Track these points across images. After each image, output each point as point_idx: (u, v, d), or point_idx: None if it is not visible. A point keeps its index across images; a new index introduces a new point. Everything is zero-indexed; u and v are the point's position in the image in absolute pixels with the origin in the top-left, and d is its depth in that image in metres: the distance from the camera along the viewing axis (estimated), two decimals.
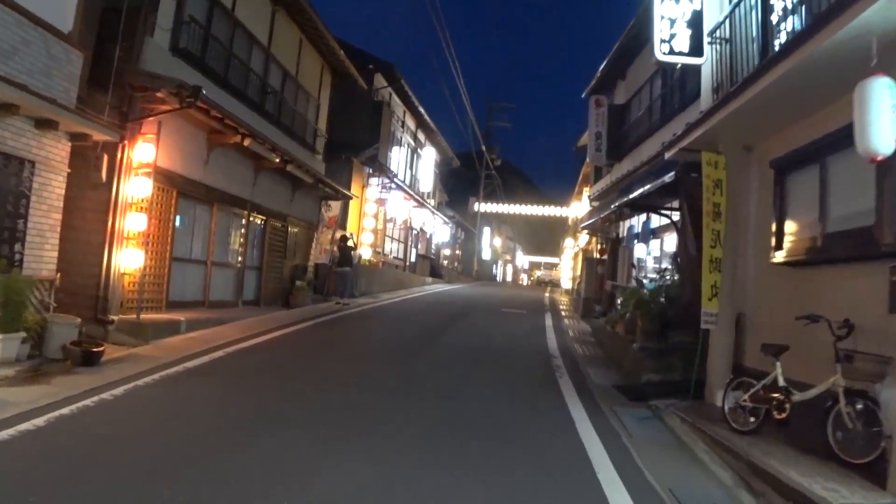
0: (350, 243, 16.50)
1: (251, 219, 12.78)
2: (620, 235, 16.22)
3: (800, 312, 5.48)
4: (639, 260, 15.03)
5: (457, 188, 47.44)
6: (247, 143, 10.83)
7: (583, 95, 18.44)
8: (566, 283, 30.91)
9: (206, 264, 11.20)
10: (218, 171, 11.15)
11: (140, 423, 4.90)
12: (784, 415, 5.11)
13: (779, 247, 6.27)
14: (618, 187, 15.49)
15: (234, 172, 11.82)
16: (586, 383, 7.86)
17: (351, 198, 17.48)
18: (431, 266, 31.30)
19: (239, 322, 10.56)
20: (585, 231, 24.05)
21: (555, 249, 68.90)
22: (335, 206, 16.66)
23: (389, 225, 24.20)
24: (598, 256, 17.34)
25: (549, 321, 14.85)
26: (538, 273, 77.91)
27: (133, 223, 8.62)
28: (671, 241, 13.14)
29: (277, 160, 12.30)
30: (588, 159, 16.89)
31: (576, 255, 30.73)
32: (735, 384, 5.81)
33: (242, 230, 12.45)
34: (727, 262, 7.10)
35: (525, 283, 69.93)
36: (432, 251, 32.80)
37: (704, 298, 6.94)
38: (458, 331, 11.92)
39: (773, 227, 6.39)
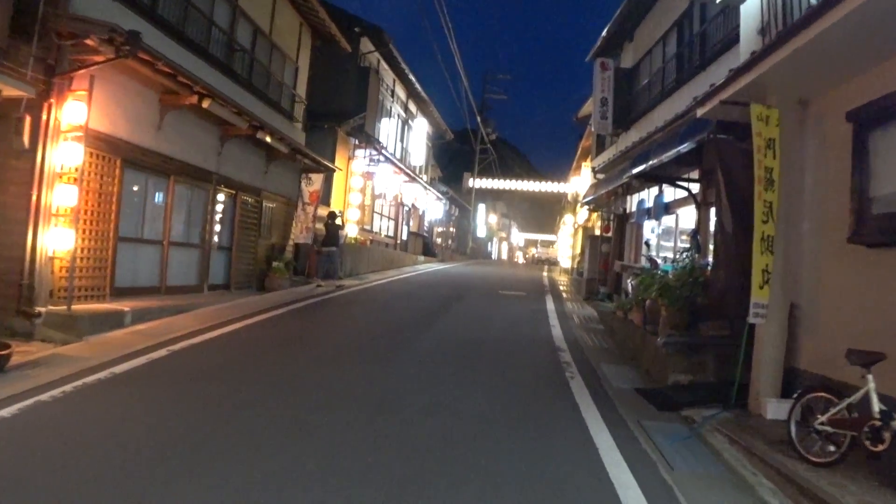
0: (338, 221, 15.27)
1: (218, 193, 11.37)
2: (628, 211, 14.89)
3: (882, 305, 4.20)
4: (650, 238, 13.74)
5: (451, 164, 45.98)
6: (206, 104, 9.39)
7: (587, 59, 16.97)
8: (565, 262, 29.62)
9: (162, 245, 9.82)
10: (175, 138, 9.73)
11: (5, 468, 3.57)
12: (881, 446, 3.84)
13: (858, 223, 4.92)
14: (626, 157, 14.11)
15: (196, 140, 10.40)
16: (602, 385, 6.58)
17: (334, 170, 16.05)
18: (424, 244, 29.96)
19: (200, 310, 9.23)
20: (586, 207, 22.73)
21: (551, 226, 67.61)
22: (317, 179, 15.25)
23: (379, 201, 22.81)
24: (603, 234, 16.01)
25: (550, 305, 13.57)
26: (533, 251, 76.76)
27: (62, 197, 7.24)
28: (688, 217, 11.84)
29: (245, 126, 10.86)
30: (592, 128, 15.50)
31: (575, 232, 29.41)
32: (806, 399, 4.51)
33: (208, 206, 11.05)
34: (780, 242, 5.78)
35: (520, 262, 68.74)
36: (425, 228, 31.43)
37: (755, 286, 5.62)
38: (452, 318, 10.63)
39: (849, 198, 5.04)
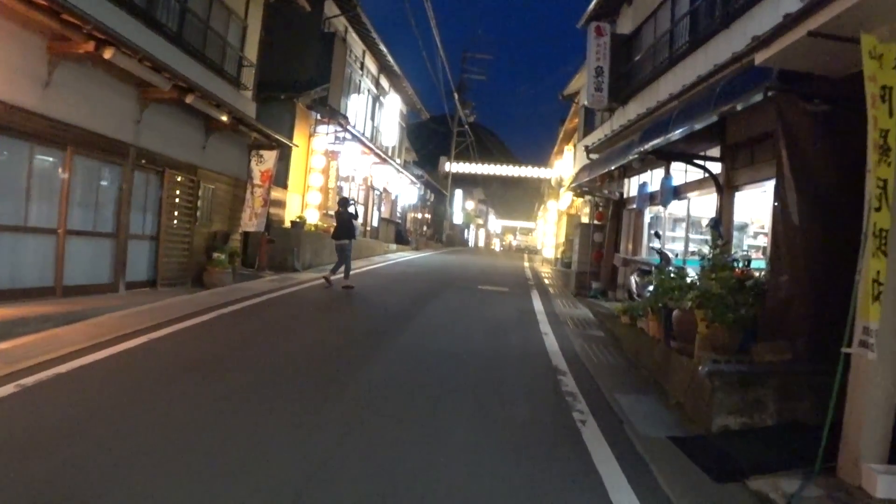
0: (352, 209, 12.55)
1: (138, 170, 9.32)
2: (626, 195, 13.09)
3: None
4: (659, 228, 12.01)
5: (427, 147, 43.94)
6: (108, 54, 7.34)
7: (579, 25, 15.08)
8: (548, 251, 27.85)
9: (57, 234, 7.78)
10: (73, 100, 7.69)
11: None
12: None
13: None
14: (621, 137, 12.29)
15: (104, 104, 8.35)
16: (625, 433, 4.75)
17: (289, 146, 13.98)
18: (397, 231, 28.00)
19: (102, 318, 7.22)
20: (572, 192, 20.94)
21: (529, 214, 65.99)
22: (269, 156, 13.21)
23: (346, 184, 20.76)
24: (596, 221, 14.22)
25: (538, 304, 11.74)
26: (511, 239, 75.19)
27: None
28: (704, 203, 10.10)
29: (168, 87, 8.80)
30: (585, 102, 13.68)
31: (559, 218, 27.62)
32: None
33: (123, 185, 8.99)
34: (894, 239, 3.97)
35: (498, 249, 67.11)
36: (398, 214, 29.43)
37: (862, 302, 3.80)
38: (423, 323, 8.74)
39: None
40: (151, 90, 8.96)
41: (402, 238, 28.22)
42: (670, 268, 9.15)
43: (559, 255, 25.32)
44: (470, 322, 9.13)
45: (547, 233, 28.97)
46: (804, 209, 5.13)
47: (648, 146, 8.16)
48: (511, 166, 40.84)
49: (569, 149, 29.12)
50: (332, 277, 11.81)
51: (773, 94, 5.25)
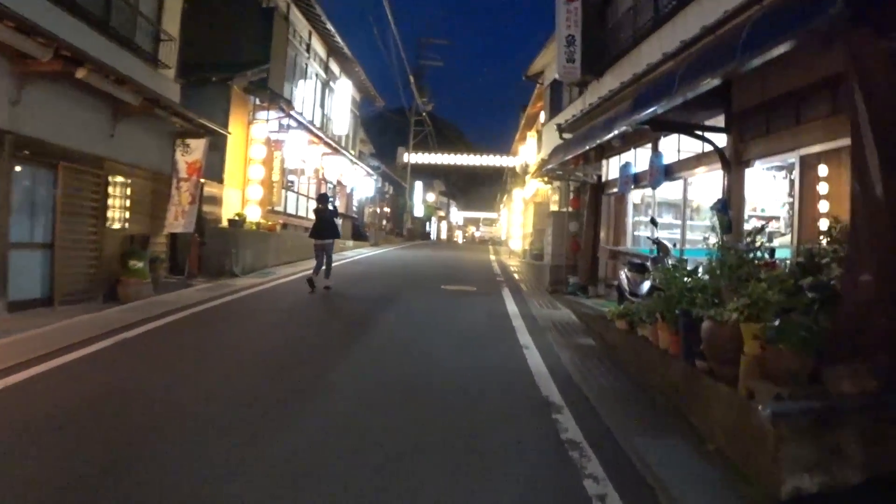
0: (330, 205, 11.96)
1: (19, 163, 7.53)
2: (604, 178, 11.70)
3: None
4: (638, 211, 10.71)
5: (384, 139, 42.22)
6: None
7: None
8: (515, 243, 26.47)
9: None
10: None
11: None
12: None
13: None
14: (596, 113, 10.89)
15: None
16: None
17: (221, 134, 12.18)
18: (354, 226, 26.30)
19: None
20: (540, 178, 19.57)
21: (491, 204, 64.77)
22: (197, 146, 11.43)
23: (294, 177, 19.01)
24: (571, 209, 12.83)
25: (511, 305, 10.28)
26: (474, 230, 73.97)
27: None
28: (703, 183, 8.78)
29: (48, 57, 7.02)
30: (556, 75, 12.25)
31: (525, 207, 26.27)
32: None
33: None
34: None
35: (461, 241, 65.79)
36: (354, 209, 27.69)
37: None
38: (375, 339, 7.19)
39: None
40: (30, 62, 7.17)
41: (359, 233, 26.52)
42: (668, 259, 7.77)
43: (527, 247, 23.99)
44: (432, 335, 7.57)
45: (513, 223, 27.59)
46: (881, 173, 3.73)
47: (644, 114, 6.72)
48: (472, 155, 39.36)
49: (531, 135, 27.81)
50: (316, 278, 11.10)
51: (841, 28, 3.83)
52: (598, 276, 11.63)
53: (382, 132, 44.26)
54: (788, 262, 5.40)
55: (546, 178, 19.14)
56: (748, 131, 7.24)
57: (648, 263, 7.98)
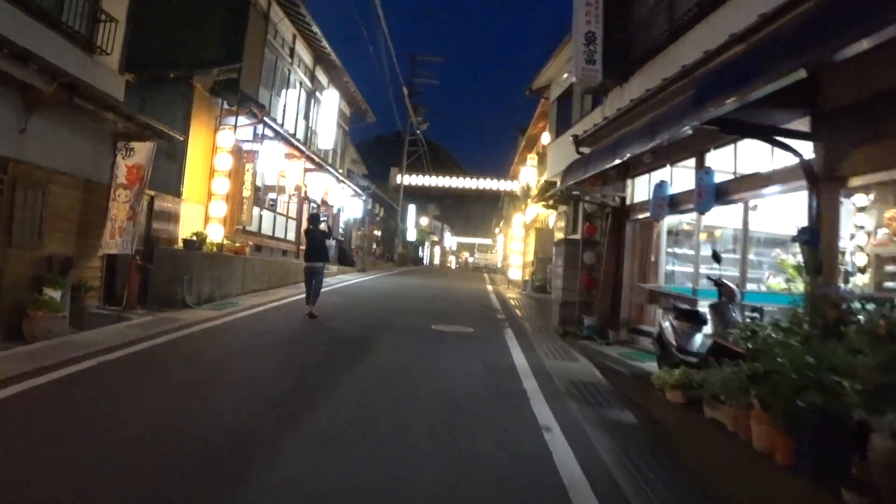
0: (323, 225, 11.41)
1: None
2: (629, 201, 9.82)
3: None
4: (677, 241, 8.88)
5: (378, 161, 40.55)
6: None
7: None
8: (514, 273, 24.50)
9: None
10: None
11: None
12: None
13: None
14: (622, 122, 9.05)
15: None
16: None
17: (169, 137, 10.09)
18: (340, 250, 24.29)
19: None
20: (543, 203, 17.76)
21: (487, 230, 62.99)
22: (141, 149, 9.50)
23: (274, 195, 17.12)
24: (586, 236, 10.93)
25: (518, 355, 8.29)
26: (468, 256, 72.08)
27: None
28: (771, 207, 6.93)
29: None
30: (575, 77, 10.41)
31: (526, 233, 24.38)
32: None
33: None
34: None
35: (454, 267, 63.88)
36: (340, 231, 25.75)
37: None
38: (331, 419, 5.14)
39: None
40: None
41: (345, 258, 24.50)
42: (733, 307, 5.87)
43: (529, 277, 22.07)
44: (411, 407, 5.46)
45: (513, 250, 25.67)
46: None
47: (708, 116, 4.85)
48: (468, 178, 37.60)
49: (532, 157, 26.10)
50: (311, 308, 10.49)
51: None
52: (619, 318, 9.69)
53: (377, 155, 42.62)
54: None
55: (548, 203, 17.34)
56: (844, 136, 5.38)
57: (705, 311, 6.07)
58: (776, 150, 6.33)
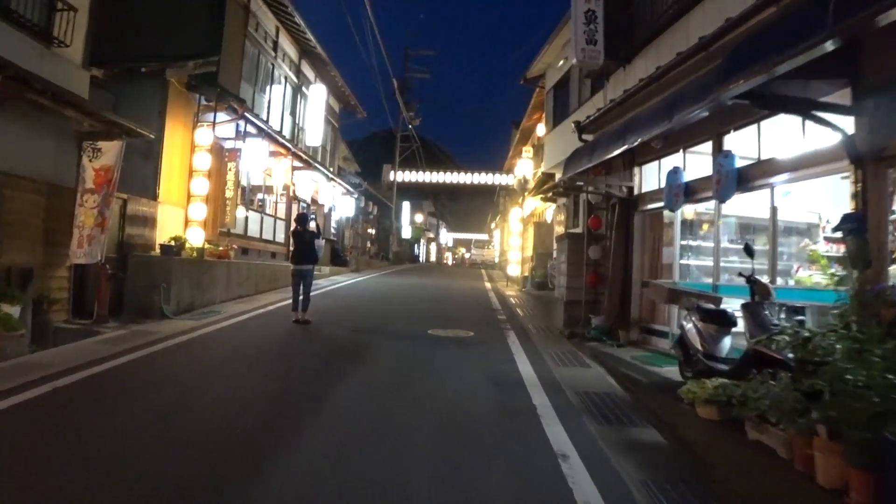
0: (312, 225, 10.71)
1: None
2: (637, 191, 9.13)
3: None
4: (692, 231, 8.19)
5: (370, 159, 39.76)
6: None
7: None
8: (513, 269, 23.81)
9: None
10: None
11: None
12: None
13: None
14: (626, 107, 8.37)
15: None
16: None
17: (138, 135, 9.31)
18: (332, 250, 23.60)
19: None
20: (541, 196, 17.09)
21: (482, 225, 62.27)
22: (109, 148, 8.79)
23: (261, 195, 16.41)
24: (590, 230, 10.25)
25: (523, 362, 7.60)
26: (464, 252, 71.37)
27: None
28: (801, 193, 6.27)
29: None
30: (575, 59, 9.68)
31: (525, 228, 23.68)
32: None
33: None
34: None
35: (450, 263, 63.23)
36: (332, 230, 25.04)
37: None
38: (309, 453, 4.47)
39: None
40: None
41: (338, 258, 23.78)
42: (767, 306, 5.18)
43: (528, 273, 21.39)
44: (408, 440, 4.76)
45: (511, 245, 24.97)
46: None
47: (760, 77, 4.16)
48: (463, 173, 36.86)
49: (527, 150, 25.42)
50: (301, 315, 9.88)
51: None
52: (629, 317, 9.01)
53: (369, 153, 41.81)
54: None
55: (546, 196, 16.65)
56: (893, 111, 4.70)
57: (737, 311, 5.39)
58: (807, 128, 5.68)
